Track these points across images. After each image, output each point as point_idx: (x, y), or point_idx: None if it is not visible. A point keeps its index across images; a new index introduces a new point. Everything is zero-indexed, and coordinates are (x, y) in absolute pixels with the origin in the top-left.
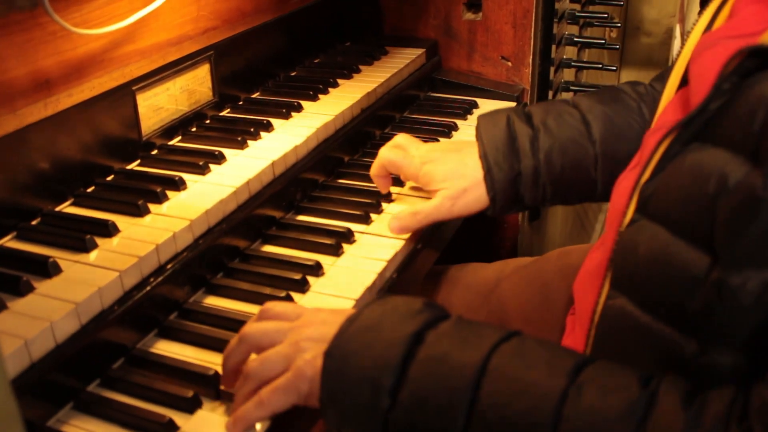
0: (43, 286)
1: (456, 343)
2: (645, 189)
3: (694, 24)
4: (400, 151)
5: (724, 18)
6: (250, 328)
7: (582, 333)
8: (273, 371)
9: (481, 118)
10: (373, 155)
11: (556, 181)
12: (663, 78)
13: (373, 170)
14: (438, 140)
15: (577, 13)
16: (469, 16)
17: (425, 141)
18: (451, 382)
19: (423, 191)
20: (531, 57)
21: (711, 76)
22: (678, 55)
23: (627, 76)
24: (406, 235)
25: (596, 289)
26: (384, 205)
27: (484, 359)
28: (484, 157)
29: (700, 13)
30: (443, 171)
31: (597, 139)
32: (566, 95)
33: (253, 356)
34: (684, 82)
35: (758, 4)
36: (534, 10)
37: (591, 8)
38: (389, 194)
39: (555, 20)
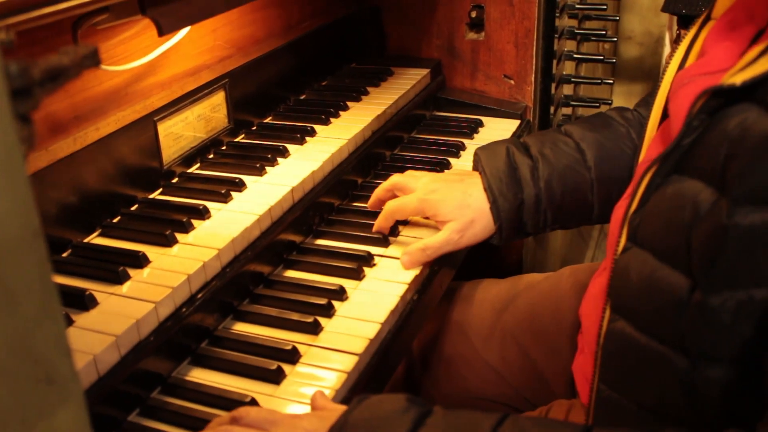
0: (81, 319)
1: None
2: (633, 219)
3: (668, 61)
4: (399, 193)
5: (696, 54)
6: None
7: (590, 354)
8: None
9: (479, 150)
10: (385, 177)
11: (556, 207)
12: (647, 104)
13: (382, 222)
14: (448, 160)
15: (576, 30)
16: (472, 35)
17: (436, 160)
18: None
19: None
20: (533, 75)
21: (684, 113)
22: (657, 89)
23: (619, 87)
24: None
25: (600, 313)
26: (401, 227)
27: None
28: (488, 188)
29: (676, 42)
30: (449, 203)
31: (592, 166)
32: (566, 110)
33: None
34: (665, 115)
35: (727, 41)
36: (536, 29)
37: (587, 23)
38: None
39: (555, 37)
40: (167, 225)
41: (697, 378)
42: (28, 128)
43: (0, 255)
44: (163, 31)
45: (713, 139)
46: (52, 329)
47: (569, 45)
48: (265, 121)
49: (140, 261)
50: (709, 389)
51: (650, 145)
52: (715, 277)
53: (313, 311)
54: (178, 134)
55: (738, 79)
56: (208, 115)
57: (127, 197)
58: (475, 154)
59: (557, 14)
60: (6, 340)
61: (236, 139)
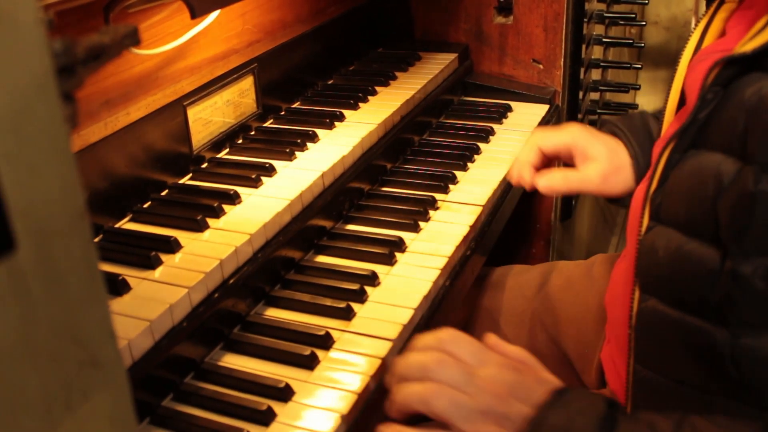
0: (114, 304)
1: None
2: (654, 198)
3: (686, 43)
4: None
5: (713, 35)
6: (435, 366)
7: (623, 338)
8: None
9: (617, 119)
10: (413, 162)
11: None
12: None
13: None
14: (477, 145)
15: (605, 14)
16: (500, 19)
17: (465, 146)
18: None
19: (468, 202)
20: (562, 59)
21: (698, 87)
22: (674, 74)
23: (645, 72)
24: (456, 243)
25: (628, 297)
26: (431, 212)
27: None
28: (629, 144)
29: (695, 26)
30: (602, 145)
31: None
32: (594, 95)
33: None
34: (683, 96)
35: (746, 19)
36: (565, 13)
37: (615, 7)
38: (434, 202)
39: (584, 21)
40: (198, 210)
41: (735, 347)
42: (72, 107)
43: (48, 236)
44: (196, 13)
45: (730, 110)
46: (97, 311)
47: (597, 29)
48: (294, 106)
49: (172, 246)
50: (753, 359)
51: (669, 125)
52: (745, 245)
53: (345, 297)
54: (207, 119)
55: (749, 47)
56: (237, 100)
57: (158, 182)
58: (607, 121)
59: None
60: (52, 322)
61: (265, 124)
